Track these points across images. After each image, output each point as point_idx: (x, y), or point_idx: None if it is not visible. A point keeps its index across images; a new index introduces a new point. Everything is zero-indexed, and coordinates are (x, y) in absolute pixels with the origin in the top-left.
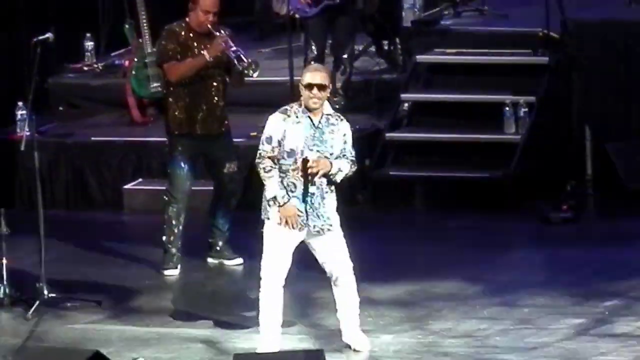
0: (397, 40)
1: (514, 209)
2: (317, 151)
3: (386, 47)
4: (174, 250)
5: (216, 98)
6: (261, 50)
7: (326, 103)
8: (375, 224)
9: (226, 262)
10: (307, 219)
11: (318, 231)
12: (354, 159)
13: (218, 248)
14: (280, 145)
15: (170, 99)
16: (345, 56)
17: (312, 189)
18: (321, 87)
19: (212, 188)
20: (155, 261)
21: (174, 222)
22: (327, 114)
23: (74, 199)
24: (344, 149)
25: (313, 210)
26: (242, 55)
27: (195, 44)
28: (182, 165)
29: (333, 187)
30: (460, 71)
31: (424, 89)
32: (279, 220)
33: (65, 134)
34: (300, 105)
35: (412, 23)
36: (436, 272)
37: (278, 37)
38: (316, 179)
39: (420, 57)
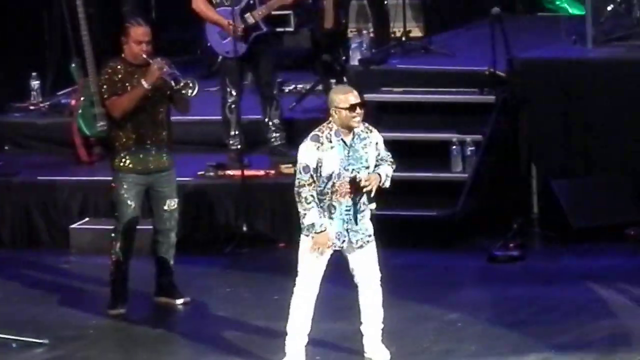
0: (345, 79)
1: (461, 247)
2: (353, 170)
3: (334, 86)
4: (121, 289)
5: (162, 131)
6: (208, 89)
7: None
8: None
9: (173, 300)
10: (349, 236)
11: (361, 245)
12: (391, 159)
13: (165, 287)
14: (317, 172)
15: (116, 136)
16: (275, 91)
17: (350, 205)
18: (362, 105)
19: None
20: (102, 300)
21: (121, 259)
22: (357, 130)
23: (21, 238)
24: (378, 155)
25: (352, 227)
26: (178, 77)
27: (135, 77)
28: (129, 202)
29: (367, 202)
30: (407, 110)
31: None
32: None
33: (12, 173)
34: (331, 129)
35: (360, 62)
36: (383, 311)
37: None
38: (354, 197)
39: (368, 96)
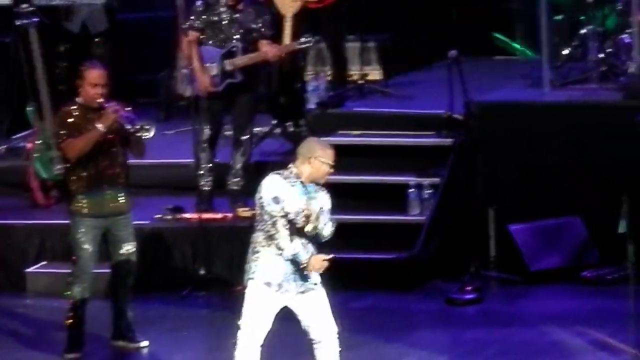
0: (302, 122)
1: (418, 289)
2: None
3: (291, 129)
4: (77, 333)
5: (119, 175)
6: (165, 133)
7: None
8: None
9: (131, 344)
10: (294, 278)
11: (303, 291)
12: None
13: (122, 330)
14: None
15: (72, 179)
16: (245, 137)
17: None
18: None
19: None
20: (59, 345)
21: (78, 303)
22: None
23: None
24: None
25: (302, 270)
26: (134, 120)
27: (90, 120)
28: (86, 246)
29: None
30: (364, 153)
31: None
32: (265, 280)
33: None
34: (291, 173)
35: (317, 105)
36: (340, 354)
37: (182, 119)
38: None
39: (325, 139)
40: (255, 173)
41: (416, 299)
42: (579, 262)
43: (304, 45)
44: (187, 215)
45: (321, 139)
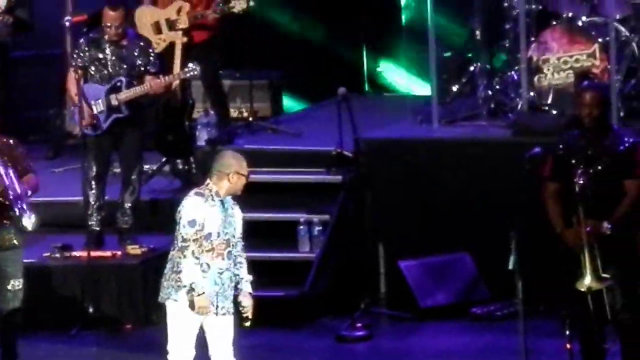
0: (192, 159)
1: (308, 327)
2: (227, 233)
3: (180, 166)
4: None
5: (7, 210)
6: (54, 170)
7: None
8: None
9: None
10: (217, 300)
11: (224, 313)
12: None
13: None
14: (202, 228)
15: None
16: (134, 175)
17: (223, 267)
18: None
19: None
20: None
21: None
22: (229, 199)
23: None
24: (241, 232)
25: (223, 291)
26: (18, 202)
27: None
28: None
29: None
30: (254, 190)
31: None
32: (189, 306)
33: None
34: (210, 190)
35: (206, 142)
36: None
37: (71, 157)
38: (226, 260)
39: None
40: (144, 211)
41: (307, 336)
42: (468, 299)
43: (189, 74)
44: (76, 253)
45: (232, 151)
